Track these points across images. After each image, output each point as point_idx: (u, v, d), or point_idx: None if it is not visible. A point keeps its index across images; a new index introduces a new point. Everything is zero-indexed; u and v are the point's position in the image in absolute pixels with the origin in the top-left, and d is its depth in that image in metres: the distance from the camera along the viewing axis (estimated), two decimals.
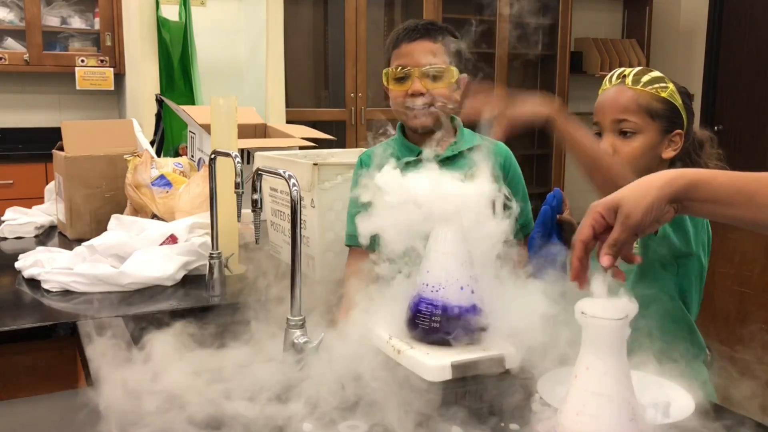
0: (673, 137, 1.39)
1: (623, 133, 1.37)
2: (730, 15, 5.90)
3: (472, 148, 1.52)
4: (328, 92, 5.23)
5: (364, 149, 1.89)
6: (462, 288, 0.95)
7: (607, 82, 1.45)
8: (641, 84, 1.38)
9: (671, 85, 1.39)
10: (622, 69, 1.43)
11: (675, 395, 0.96)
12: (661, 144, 1.38)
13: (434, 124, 1.53)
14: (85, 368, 1.18)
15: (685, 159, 1.43)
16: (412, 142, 1.60)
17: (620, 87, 1.40)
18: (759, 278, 2.55)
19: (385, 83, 1.61)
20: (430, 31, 1.56)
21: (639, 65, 5.23)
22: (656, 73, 1.40)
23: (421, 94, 1.54)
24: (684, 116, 1.40)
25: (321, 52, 5.20)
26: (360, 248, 1.55)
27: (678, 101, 1.39)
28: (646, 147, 1.37)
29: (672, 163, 1.40)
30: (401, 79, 1.56)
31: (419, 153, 1.51)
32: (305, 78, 5.11)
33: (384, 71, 1.61)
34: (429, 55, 1.55)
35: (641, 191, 0.86)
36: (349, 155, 1.93)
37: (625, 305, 0.72)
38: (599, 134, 1.41)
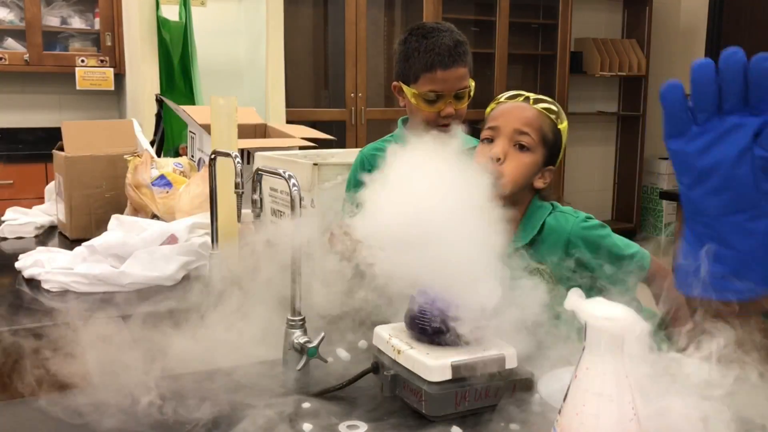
0: (547, 170, 1.40)
1: (519, 146, 1.35)
2: (730, 15, 5.90)
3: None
4: (328, 92, 5.23)
5: (362, 149, 1.89)
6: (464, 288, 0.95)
7: (504, 99, 1.43)
8: (543, 108, 1.38)
9: (566, 122, 1.41)
10: (520, 92, 1.43)
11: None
12: (538, 172, 1.38)
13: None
14: (85, 368, 1.18)
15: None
16: None
17: (524, 104, 1.39)
18: None
19: (412, 101, 1.65)
20: (460, 54, 1.62)
21: (639, 65, 5.27)
22: (556, 105, 1.41)
23: (452, 116, 1.63)
24: (561, 155, 1.42)
25: (321, 52, 5.20)
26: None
27: (565, 139, 1.41)
28: (532, 167, 1.36)
29: (536, 192, 1.41)
30: (433, 102, 1.63)
31: None
32: (305, 78, 5.11)
33: (412, 92, 1.64)
34: (461, 80, 1.63)
35: None
36: (349, 155, 1.93)
37: (626, 307, 0.73)
38: (490, 140, 1.37)
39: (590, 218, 1.41)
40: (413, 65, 1.63)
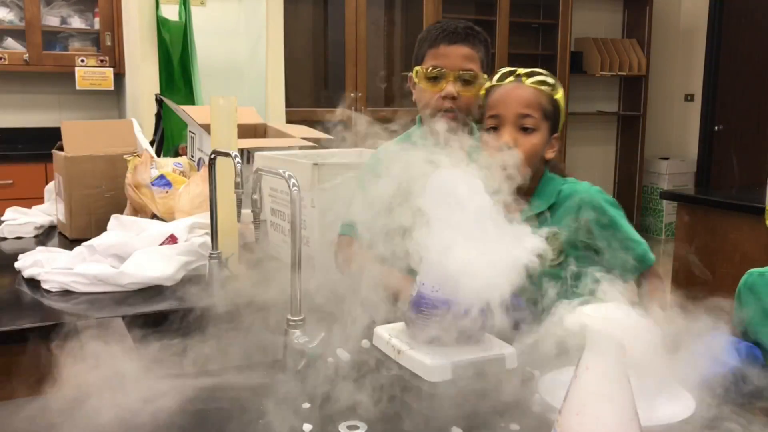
0: (554, 138, 1.43)
1: (524, 129, 1.38)
2: (730, 15, 5.90)
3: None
4: (328, 92, 5.23)
5: (361, 149, 1.89)
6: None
7: (496, 80, 1.45)
8: (537, 83, 1.40)
9: (561, 89, 1.43)
10: (511, 69, 1.43)
11: (675, 395, 0.95)
12: (547, 144, 1.42)
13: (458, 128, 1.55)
14: (85, 368, 1.18)
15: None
16: None
17: (518, 84, 1.41)
18: None
19: (414, 80, 1.62)
20: (469, 36, 1.60)
21: (639, 65, 5.27)
22: (548, 75, 1.43)
23: (453, 98, 1.57)
24: (563, 120, 1.45)
25: (321, 52, 5.20)
26: (349, 237, 1.58)
27: (563, 105, 1.43)
28: (541, 144, 1.40)
29: (546, 163, 1.45)
30: (434, 80, 1.59)
31: None
32: (305, 78, 5.11)
33: (415, 68, 1.62)
34: (465, 60, 1.59)
35: None
36: (349, 155, 1.93)
37: (626, 308, 0.73)
38: (495, 128, 1.40)
39: (604, 193, 1.44)
40: (422, 46, 1.63)
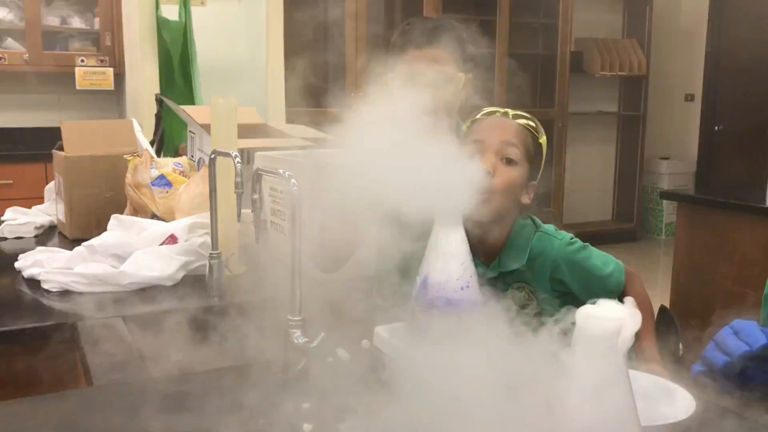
0: (531, 185, 1.39)
1: (507, 160, 1.34)
2: (730, 15, 5.90)
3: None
4: (328, 92, 5.23)
5: None
6: (462, 288, 0.95)
7: (480, 116, 1.42)
8: (523, 122, 1.38)
9: (544, 135, 1.40)
10: (496, 108, 1.41)
11: (675, 395, 0.96)
12: (523, 187, 1.38)
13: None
14: (85, 368, 1.18)
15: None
16: None
17: (505, 119, 1.38)
18: (759, 278, 2.55)
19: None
20: (438, 38, 1.58)
21: (639, 65, 5.27)
22: (534, 120, 1.41)
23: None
24: (541, 170, 1.41)
25: (321, 52, 5.20)
26: None
27: (545, 152, 1.40)
28: (519, 180, 1.36)
29: (523, 210, 1.41)
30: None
31: None
32: (305, 78, 5.11)
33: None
34: (439, 64, 1.57)
35: None
36: None
37: (624, 308, 0.73)
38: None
39: (573, 240, 1.41)
40: (393, 49, 1.62)
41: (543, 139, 1.40)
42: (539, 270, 1.38)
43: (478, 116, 1.42)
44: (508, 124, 1.37)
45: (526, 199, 1.39)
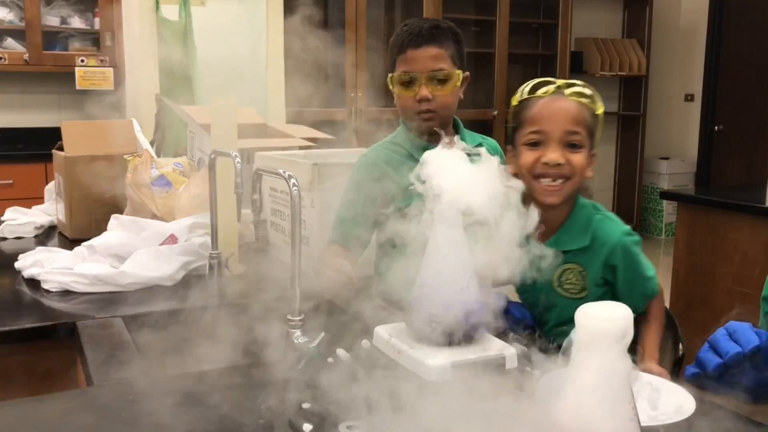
0: (592, 156, 1.38)
1: (571, 146, 1.32)
2: (730, 15, 5.90)
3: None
4: (328, 92, 5.23)
5: (361, 149, 1.90)
6: (462, 288, 0.95)
7: (528, 92, 1.37)
8: (580, 97, 1.34)
9: (600, 103, 1.37)
10: (549, 79, 1.37)
11: (675, 395, 0.96)
12: (589, 163, 1.37)
13: (440, 127, 1.54)
14: (85, 368, 1.18)
15: None
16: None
17: (561, 97, 1.34)
18: (759, 278, 2.55)
19: (390, 87, 1.63)
20: (435, 36, 1.59)
21: (639, 65, 5.25)
22: (587, 86, 1.37)
23: (428, 100, 1.58)
24: (599, 136, 1.40)
25: (321, 52, 5.20)
26: (339, 245, 1.59)
27: (602, 122, 1.38)
28: (586, 161, 1.35)
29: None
30: (407, 84, 1.60)
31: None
32: (305, 78, 5.10)
33: (389, 76, 1.62)
34: (434, 61, 1.59)
35: None
36: (349, 155, 1.93)
37: (624, 308, 0.73)
38: (536, 144, 1.33)
39: (632, 232, 1.41)
40: (392, 53, 1.63)
41: (600, 111, 1.36)
42: (597, 252, 1.37)
43: (527, 90, 1.37)
44: (567, 107, 1.32)
45: (589, 173, 1.38)
